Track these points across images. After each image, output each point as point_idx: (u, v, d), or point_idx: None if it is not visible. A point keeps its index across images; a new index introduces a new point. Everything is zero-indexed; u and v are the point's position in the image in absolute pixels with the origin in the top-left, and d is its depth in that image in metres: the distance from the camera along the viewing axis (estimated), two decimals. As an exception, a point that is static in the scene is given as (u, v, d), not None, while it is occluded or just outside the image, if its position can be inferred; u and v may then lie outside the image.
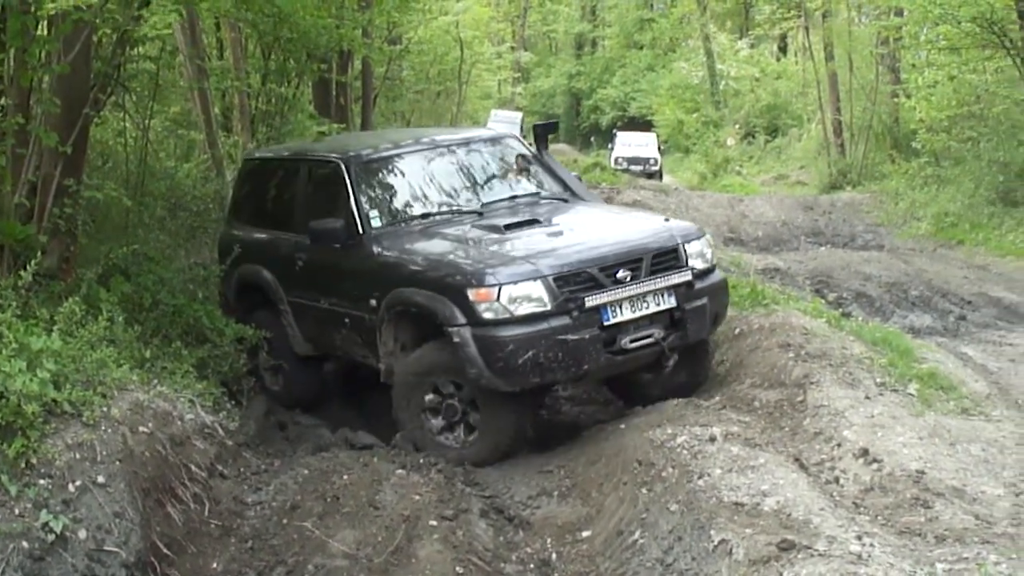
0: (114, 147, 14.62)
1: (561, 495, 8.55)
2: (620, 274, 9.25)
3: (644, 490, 7.55)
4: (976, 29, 23.99)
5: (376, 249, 10.07)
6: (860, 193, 31.92)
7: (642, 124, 65.25)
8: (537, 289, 8.93)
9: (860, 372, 9.54)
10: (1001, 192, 22.97)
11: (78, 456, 6.73)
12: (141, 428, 7.44)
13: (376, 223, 10.34)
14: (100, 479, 6.70)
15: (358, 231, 10.23)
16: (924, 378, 9.49)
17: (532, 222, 10.15)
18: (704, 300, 9.78)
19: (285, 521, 7.75)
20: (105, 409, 7.19)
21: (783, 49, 64.54)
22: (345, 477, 8.37)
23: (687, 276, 9.62)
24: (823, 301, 13.60)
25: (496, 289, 8.88)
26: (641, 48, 79.50)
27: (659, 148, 50.97)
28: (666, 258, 9.65)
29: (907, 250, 21.58)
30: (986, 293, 15.76)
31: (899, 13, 31.90)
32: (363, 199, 10.45)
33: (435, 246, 9.93)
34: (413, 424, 9.58)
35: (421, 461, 8.92)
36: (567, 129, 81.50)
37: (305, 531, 7.52)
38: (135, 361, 8.76)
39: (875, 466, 7.64)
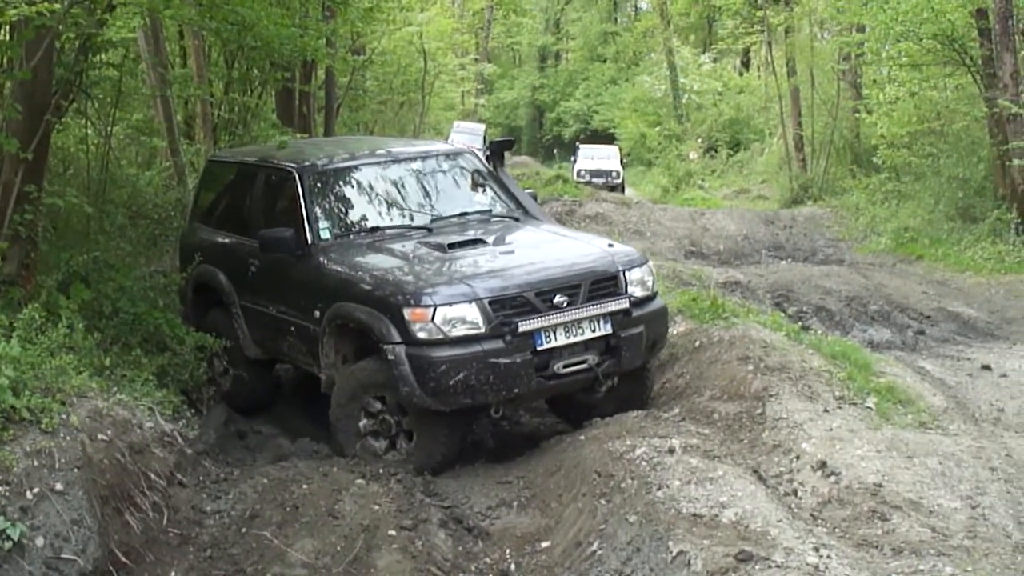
0: (76, 154, 14.54)
1: (520, 506, 8.54)
2: (556, 299, 9.29)
3: (603, 501, 7.57)
4: (937, 46, 24.16)
5: (323, 261, 10.09)
6: (821, 208, 32.07)
7: (605, 137, 65.53)
8: (472, 312, 8.99)
9: (819, 385, 9.59)
10: (960, 208, 23.14)
11: (36, 463, 6.70)
12: (100, 436, 7.40)
13: (326, 235, 10.36)
14: (58, 486, 6.67)
15: (307, 241, 10.25)
16: (882, 392, 9.55)
17: (476, 242, 10.20)
18: (641, 328, 9.78)
19: (244, 530, 7.73)
20: (64, 416, 7.16)
21: (746, 64, 64.84)
22: (304, 486, 8.35)
23: (624, 304, 9.65)
24: (783, 315, 13.66)
25: (432, 310, 8.93)
26: (604, 61, 79.77)
27: (621, 161, 51.04)
28: (605, 285, 9.69)
29: (867, 265, 21.68)
30: (945, 308, 15.86)
31: (861, 29, 32.16)
32: (315, 210, 10.48)
33: (379, 262, 9.92)
34: (347, 434, 9.62)
35: (381, 471, 8.90)
36: (530, 141, 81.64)
37: (264, 540, 7.50)
38: (94, 368, 8.72)
39: (833, 479, 7.69)
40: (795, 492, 7.71)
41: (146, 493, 7.72)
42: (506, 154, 12.47)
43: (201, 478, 8.77)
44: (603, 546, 7.03)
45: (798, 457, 8.22)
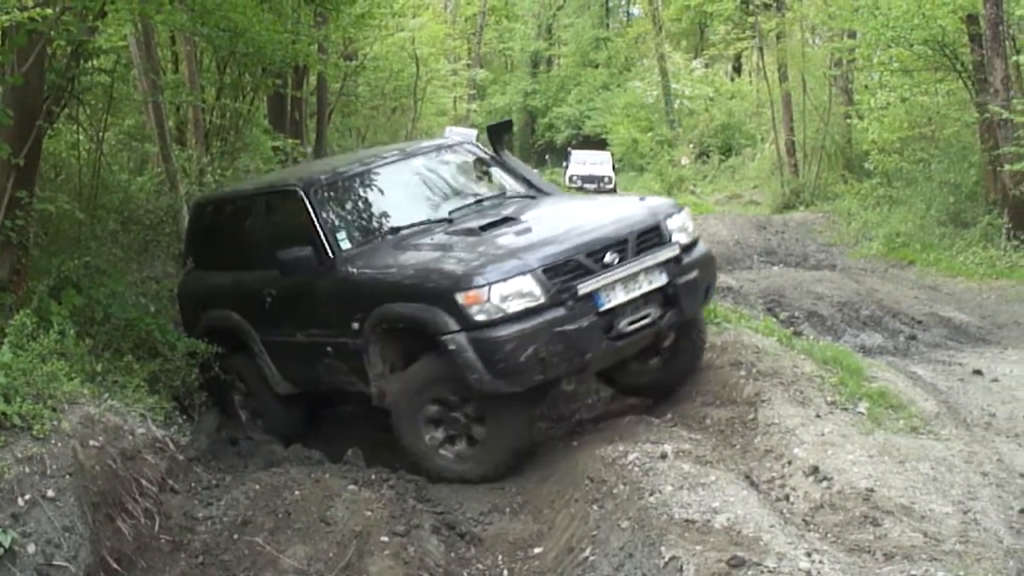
0: (67, 159, 14.53)
1: (513, 511, 8.55)
2: (608, 258, 9.07)
3: (595, 507, 7.57)
4: (928, 52, 24.22)
5: (351, 270, 9.79)
6: (813, 213, 32.12)
7: (597, 143, 65.47)
8: (527, 283, 8.71)
9: (811, 390, 9.60)
10: (952, 213, 23.19)
11: (27, 470, 6.69)
12: (91, 442, 7.39)
13: (345, 244, 10.07)
14: (50, 493, 6.67)
15: (328, 255, 9.94)
16: (874, 397, 9.56)
17: (507, 220, 10.00)
18: (695, 273, 9.66)
19: (236, 536, 7.72)
20: (55, 423, 7.15)
21: (737, 69, 64.89)
22: (296, 492, 8.34)
23: (675, 251, 9.50)
24: (775, 320, 13.69)
25: (486, 289, 8.64)
26: (596, 67, 79.76)
27: (613, 167, 51.20)
28: (650, 236, 9.49)
29: (859, 270, 21.71)
30: (936, 313, 15.87)
31: (852, 35, 32.20)
32: (328, 222, 10.20)
33: (413, 257, 9.63)
34: (419, 444, 9.39)
35: (373, 477, 8.90)
36: (522, 147, 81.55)
37: (256, 546, 7.49)
38: (86, 375, 8.69)
39: (825, 484, 7.69)
40: (787, 497, 7.71)
41: (138, 499, 7.70)
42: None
43: (193, 484, 8.75)
44: (595, 552, 7.03)
45: (790, 462, 8.22)
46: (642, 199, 10.36)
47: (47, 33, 9.41)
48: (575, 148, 60.09)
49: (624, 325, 9.12)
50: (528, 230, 9.68)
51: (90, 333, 9.98)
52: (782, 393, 9.50)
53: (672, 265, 9.46)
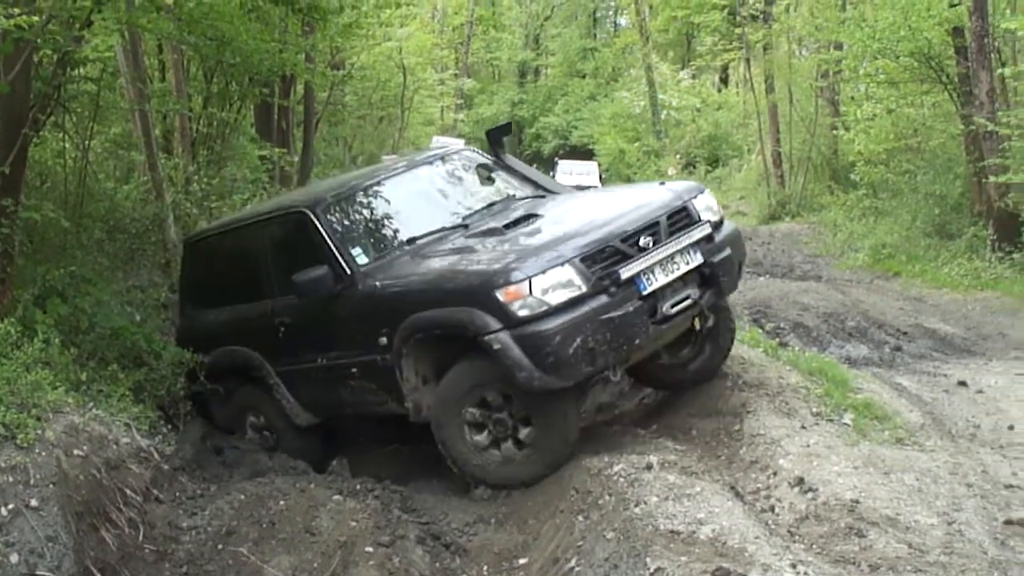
0: (53, 167, 14.50)
1: (498, 522, 8.53)
2: (643, 241, 8.87)
3: (581, 518, 7.56)
4: (914, 64, 24.33)
5: (374, 284, 9.53)
6: (799, 224, 32.18)
7: (584, 152, 65.53)
8: (568, 273, 8.47)
9: (796, 402, 9.61)
10: (937, 225, 23.27)
11: (11, 479, 6.68)
12: (76, 451, 7.38)
13: (362, 260, 9.78)
14: (33, 502, 6.65)
15: (346, 272, 9.68)
16: (859, 408, 9.57)
17: (530, 217, 9.84)
18: (728, 251, 9.58)
19: (220, 546, 7.71)
20: (39, 432, 7.14)
21: (724, 80, 64.95)
22: (281, 503, 8.32)
23: (706, 230, 9.41)
24: (761, 331, 13.69)
25: (527, 283, 8.38)
26: (584, 77, 79.85)
27: (600, 177, 51.17)
28: (679, 217, 9.36)
29: (844, 281, 21.75)
30: (922, 324, 15.91)
31: (839, 47, 32.32)
32: (341, 239, 9.92)
33: (438, 263, 9.37)
34: (463, 452, 9.10)
35: (358, 487, 8.88)
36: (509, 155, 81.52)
37: (240, 556, 7.48)
38: (71, 384, 8.68)
39: (810, 495, 7.69)
40: (772, 508, 7.71)
41: (122, 509, 7.69)
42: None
43: (177, 494, 8.74)
44: (581, 563, 7.01)
45: (775, 473, 8.22)
46: (662, 183, 10.19)
47: (34, 41, 9.40)
48: (562, 158, 60.21)
49: (667, 308, 8.95)
50: (555, 223, 9.49)
51: (75, 342, 9.96)
52: (768, 404, 9.51)
53: (705, 244, 9.37)
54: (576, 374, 8.53)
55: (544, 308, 8.38)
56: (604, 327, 8.47)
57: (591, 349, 8.42)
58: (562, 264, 8.49)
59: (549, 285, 8.41)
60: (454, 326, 8.80)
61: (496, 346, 8.47)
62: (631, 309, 8.61)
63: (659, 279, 8.91)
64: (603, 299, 8.54)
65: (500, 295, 8.43)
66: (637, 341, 8.74)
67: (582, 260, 8.56)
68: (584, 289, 8.49)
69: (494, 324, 8.47)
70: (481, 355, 8.73)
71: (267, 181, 20.84)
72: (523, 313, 8.39)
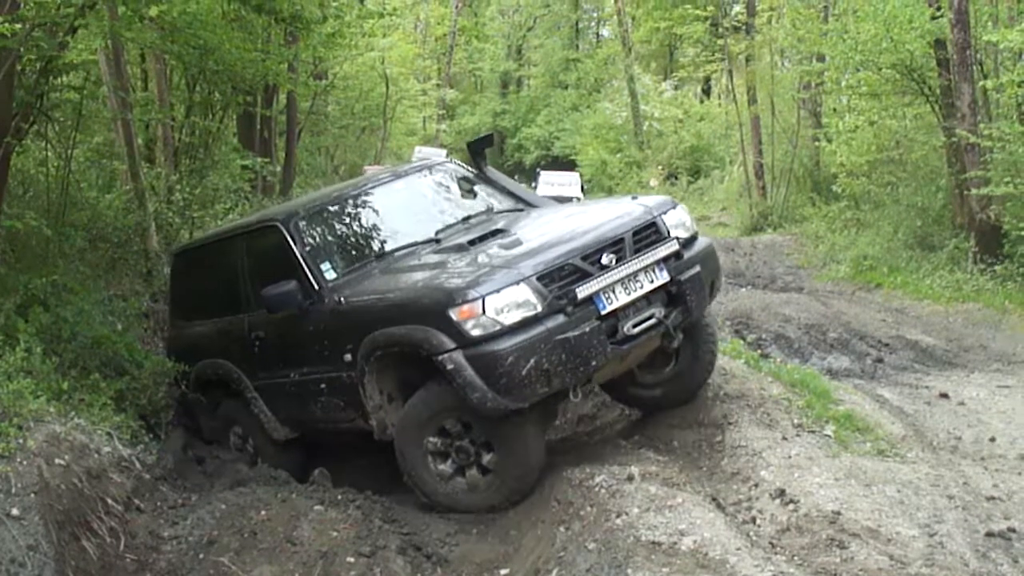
0: (35, 176, 14.47)
1: (479, 533, 8.51)
2: (604, 259, 8.70)
3: (562, 528, 7.56)
4: (896, 76, 24.36)
5: (339, 299, 9.40)
6: (781, 235, 32.25)
7: (566, 163, 65.65)
8: (523, 292, 8.29)
9: (778, 413, 9.63)
10: (919, 237, 23.31)
11: (-8, 488, 6.66)
12: (57, 460, 7.36)
13: (331, 275, 9.69)
14: (14, 511, 6.63)
15: (314, 287, 9.60)
16: (841, 420, 9.59)
17: (496, 233, 9.67)
18: (697, 268, 9.28)
19: (202, 556, 7.69)
20: (21, 441, 7.12)
21: (707, 91, 65.13)
22: (263, 513, 8.31)
23: (673, 247, 9.14)
24: (742, 342, 13.70)
25: (479, 302, 8.20)
26: (566, 88, 79.96)
27: (582, 187, 51.20)
28: (647, 233, 9.16)
29: (826, 292, 21.81)
30: (903, 336, 15.95)
31: (821, 59, 32.44)
32: (310, 254, 9.83)
33: (401, 279, 9.25)
34: (427, 480, 8.97)
35: (340, 497, 8.86)
36: (491, 167, 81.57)
37: (222, 566, 7.47)
38: (52, 393, 8.66)
39: (791, 506, 7.71)
40: (754, 520, 7.72)
41: (103, 518, 7.67)
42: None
43: (159, 503, 8.71)
44: (562, 573, 7.00)
45: (757, 485, 8.24)
46: (635, 198, 9.99)
47: (16, 50, 9.38)
48: (544, 169, 60.30)
49: (629, 327, 8.71)
50: (519, 241, 9.30)
51: (57, 351, 9.94)
52: (749, 415, 9.53)
53: (673, 261, 9.13)
54: (530, 395, 8.36)
55: (497, 328, 8.24)
56: (559, 347, 8.31)
57: (546, 370, 8.27)
58: (517, 283, 8.36)
59: (503, 304, 8.27)
60: (411, 345, 8.68)
61: (450, 366, 8.33)
62: (587, 329, 8.45)
63: (620, 298, 8.73)
64: (559, 319, 8.39)
65: (454, 314, 8.30)
66: (594, 362, 8.54)
67: (539, 279, 8.42)
68: (539, 308, 8.34)
69: (448, 343, 8.35)
70: (440, 380, 8.61)
71: (249, 191, 20.80)
72: (476, 332, 8.26)
